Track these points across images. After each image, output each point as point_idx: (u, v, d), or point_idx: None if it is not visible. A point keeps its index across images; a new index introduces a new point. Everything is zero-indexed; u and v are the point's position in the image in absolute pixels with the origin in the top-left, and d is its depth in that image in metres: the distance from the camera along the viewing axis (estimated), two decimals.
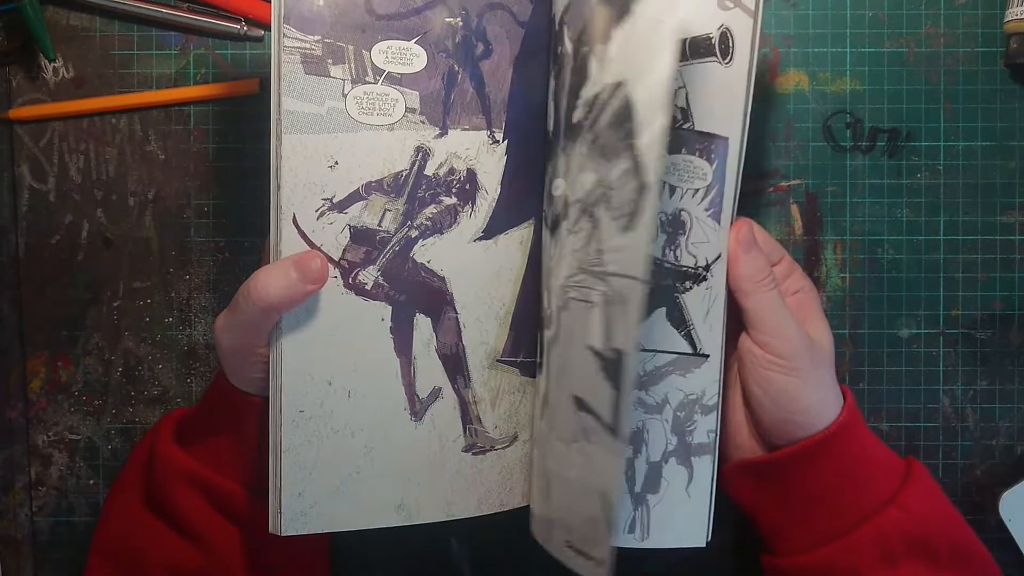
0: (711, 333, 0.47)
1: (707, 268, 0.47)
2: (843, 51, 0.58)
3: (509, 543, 0.58)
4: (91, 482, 0.59)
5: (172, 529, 0.49)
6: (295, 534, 0.46)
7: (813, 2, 0.58)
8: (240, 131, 0.58)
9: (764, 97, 0.58)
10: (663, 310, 0.47)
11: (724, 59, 0.46)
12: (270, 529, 0.46)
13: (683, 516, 0.47)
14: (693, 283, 0.46)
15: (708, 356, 0.47)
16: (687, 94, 0.46)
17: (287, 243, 0.45)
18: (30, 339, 0.59)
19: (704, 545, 0.48)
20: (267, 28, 0.58)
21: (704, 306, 0.47)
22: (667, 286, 0.46)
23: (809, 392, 0.47)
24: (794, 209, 0.58)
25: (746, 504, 0.50)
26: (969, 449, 0.59)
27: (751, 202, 0.58)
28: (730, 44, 0.45)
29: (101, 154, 0.58)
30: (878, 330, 0.58)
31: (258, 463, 0.47)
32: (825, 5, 0.58)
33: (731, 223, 0.47)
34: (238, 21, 0.57)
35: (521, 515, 0.49)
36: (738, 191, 0.47)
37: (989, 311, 0.58)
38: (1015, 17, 0.56)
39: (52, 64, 0.58)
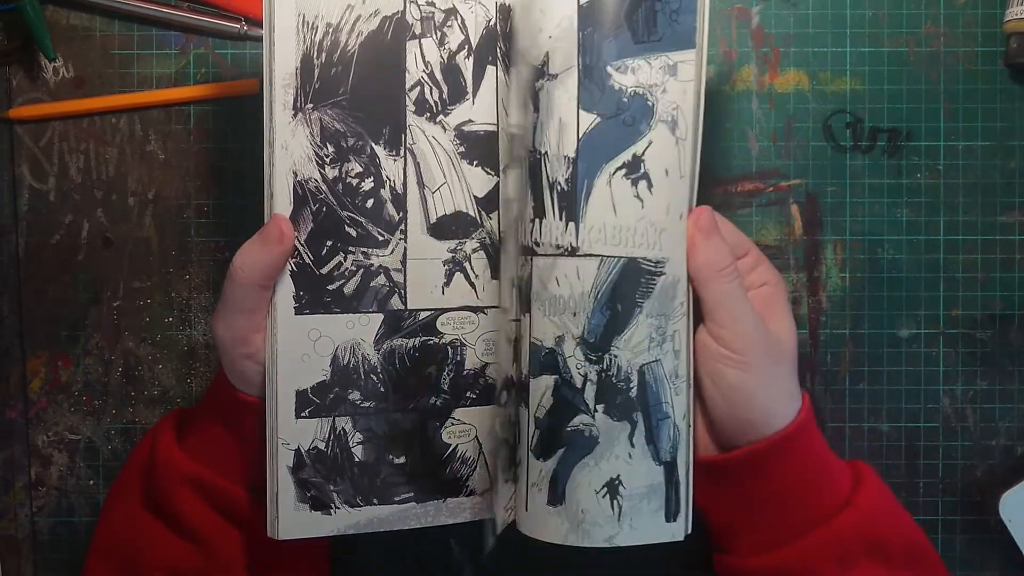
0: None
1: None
2: (843, 51, 0.58)
3: (510, 544, 0.58)
4: (91, 482, 0.59)
5: (172, 530, 0.49)
6: (291, 538, 0.46)
7: (813, 2, 0.58)
8: (240, 131, 0.58)
9: (764, 97, 0.58)
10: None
11: None
12: (268, 533, 0.46)
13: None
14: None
15: None
16: None
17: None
18: (30, 339, 0.59)
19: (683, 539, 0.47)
20: None
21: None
22: None
23: (762, 390, 0.46)
24: (794, 209, 0.58)
25: (697, 502, 0.48)
26: (969, 449, 0.59)
27: (751, 202, 0.58)
28: None
29: (101, 154, 0.58)
30: (878, 330, 0.58)
31: (258, 464, 0.47)
32: (825, 5, 0.58)
33: (689, 212, 0.46)
34: (238, 21, 0.57)
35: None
36: (695, 181, 0.45)
37: (989, 311, 0.58)
38: (1015, 17, 0.56)
39: (52, 64, 0.58)
